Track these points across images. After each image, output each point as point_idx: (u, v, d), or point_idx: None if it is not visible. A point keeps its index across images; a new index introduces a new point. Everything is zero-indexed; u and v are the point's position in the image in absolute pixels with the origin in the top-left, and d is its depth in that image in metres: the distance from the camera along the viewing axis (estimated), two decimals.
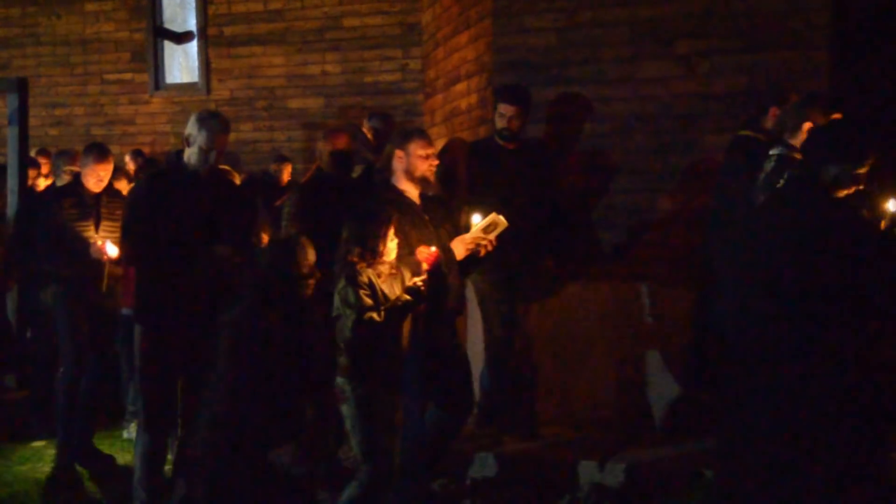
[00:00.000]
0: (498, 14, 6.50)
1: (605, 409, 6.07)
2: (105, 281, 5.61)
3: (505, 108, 5.74)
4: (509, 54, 6.47)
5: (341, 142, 5.47)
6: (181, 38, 10.41)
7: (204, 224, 4.58)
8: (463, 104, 7.33)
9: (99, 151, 5.79)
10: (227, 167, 6.63)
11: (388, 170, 4.93)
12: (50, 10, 10.82)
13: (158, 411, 4.64)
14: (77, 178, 5.85)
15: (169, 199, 4.57)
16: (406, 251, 4.48)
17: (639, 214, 6.27)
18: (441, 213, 4.87)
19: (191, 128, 4.62)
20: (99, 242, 5.55)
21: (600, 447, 5.51)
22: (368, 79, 9.59)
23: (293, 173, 8.64)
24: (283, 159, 8.65)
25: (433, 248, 4.49)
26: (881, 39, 6.18)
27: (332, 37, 9.71)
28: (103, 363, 5.86)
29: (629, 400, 6.03)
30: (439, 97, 8.15)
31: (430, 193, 4.91)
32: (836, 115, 4.72)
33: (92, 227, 5.66)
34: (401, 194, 4.72)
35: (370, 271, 4.27)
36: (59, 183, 6.20)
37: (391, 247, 4.31)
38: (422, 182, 4.75)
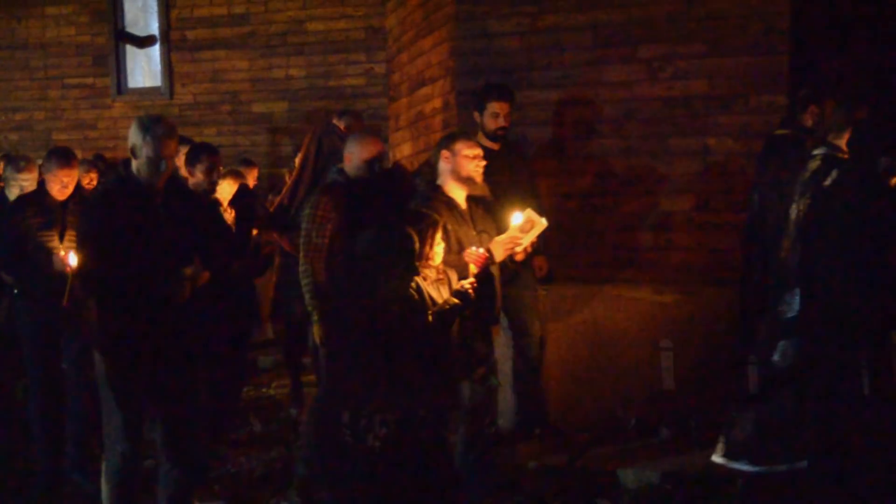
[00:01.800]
0: (461, 18, 6.51)
1: (579, 410, 6.07)
2: (67, 294, 5.19)
3: (499, 107, 5.66)
4: (473, 59, 6.48)
5: (376, 148, 5.34)
6: (144, 42, 10.32)
7: (164, 242, 4.21)
8: (427, 108, 7.33)
9: (62, 156, 5.40)
10: (241, 170, 6.52)
11: (428, 172, 4.89)
12: (10, 13, 10.69)
13: (125, 444, 4.23)
14: (41, 185, 5.46)
15: (123, 218, 4.14)
16: (450, 252, 4.42)
17: (604, 217, 6.29)
18: (482, 216, 4.84)
19: (134, 137, 4.18)
20: (62, 253, 5.17)
21: (571, 449, 5.53)
22: (333, 83, 9.56)
23: (257, 177, 8.58)
24: (248, 164, 8.60)
25: (481, 250, 4.45)
26: (840, 44, 6.26)
27: (297, 41, 9.68)
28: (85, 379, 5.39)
29: (602, 400, 6.04)
30: (404, 101, 8.14)
31: (478, 194, 4.88)
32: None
33: (56, 237, 5.30)
34: (446, 195, 4.71)
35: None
36: (9, 192, 5.75)
37: (437, 251, 4.19)
38: (468, 182, 4.74)
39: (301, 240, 5.14)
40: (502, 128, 5.69)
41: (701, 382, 5.73)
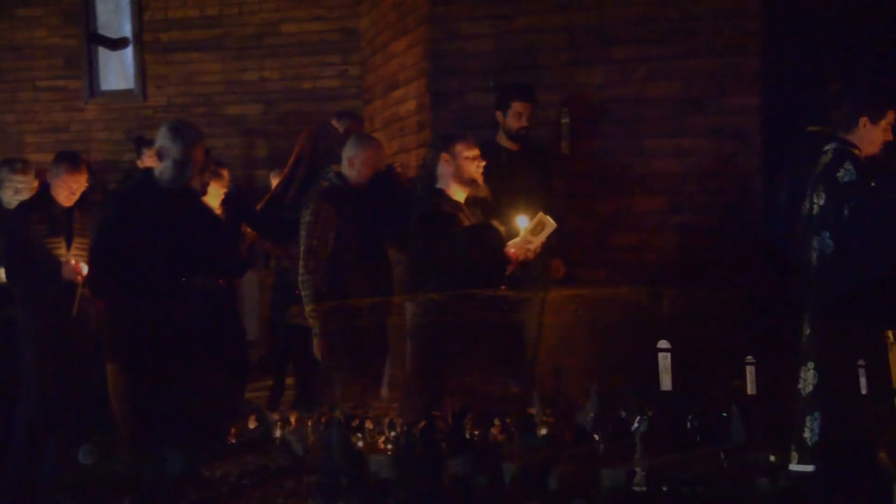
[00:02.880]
0: (435, 20, 6.50)
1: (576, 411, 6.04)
2: (77, 304, 5.16)
3: (522, 107, 5.61)
4: (447, 60, 6.47)
5: (380, 151, 5.27)
6: (116, 44, 10.21)
7: (179, 249, 4.20)
8: (402, 110, 7.32)
9: (71, 162, 5.32)
10: (220, 170, 6.50)
11: (424, 176, 4.87)
12: None
13: (145, 453, 4.26)
14: (46, 189, 5.37)
15: (140, 222, 4.16)
16: None
17: (579, 218, 6.29)
18: (479, 218, 4.82)
19: (162, 139, 4.22)
20: (72, 261, 5.10)
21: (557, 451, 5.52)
22: (307, 85, 9.50)
23: (232, 180, 8.53)
24: (220, 165, 8.53)
25: (512, 251, 4.45)
26: (812, 45, 6.29)
27: (271, 43, 9.61)
28: (82, 392, 5.38)
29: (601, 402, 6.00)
30: (378, 103, 8.13)
31: (481, 196, 4.86)
32: (891, 112, 4.77)
33: (63, 245, 5.21)
34: (451, 199, 4.69)
35: None
36: (2, 194, 5.68)
37: None
38: (470, 184, 4.70)
39: (301, 249, 5.01)
40: (524, 128, 5.66)
41: (699, 383, 5.72)
